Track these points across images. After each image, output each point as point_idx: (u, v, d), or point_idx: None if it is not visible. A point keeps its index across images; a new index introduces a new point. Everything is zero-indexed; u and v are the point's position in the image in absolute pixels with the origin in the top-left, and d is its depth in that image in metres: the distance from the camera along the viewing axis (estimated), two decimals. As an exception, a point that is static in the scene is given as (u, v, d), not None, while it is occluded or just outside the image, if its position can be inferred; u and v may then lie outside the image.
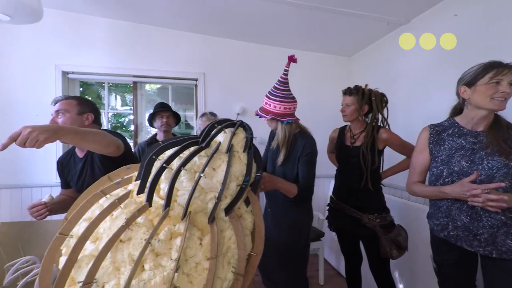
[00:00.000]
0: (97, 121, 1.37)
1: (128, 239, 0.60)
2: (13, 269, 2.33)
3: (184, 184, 0.67)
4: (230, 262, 0.68)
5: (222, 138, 0.77)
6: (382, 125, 1.59)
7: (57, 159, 1.43)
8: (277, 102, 1.37)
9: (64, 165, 1.38)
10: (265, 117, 1.39)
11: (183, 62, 2.70)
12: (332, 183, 2.87)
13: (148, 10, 2.32)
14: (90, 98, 1.51)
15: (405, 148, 1.51)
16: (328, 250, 2.70)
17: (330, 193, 2.84)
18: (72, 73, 2.45)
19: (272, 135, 1.60)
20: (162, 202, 0.65)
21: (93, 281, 0.55)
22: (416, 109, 2.16)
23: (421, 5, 2.01)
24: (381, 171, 1.63)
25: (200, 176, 0.66)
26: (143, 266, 0.58)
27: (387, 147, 1.57)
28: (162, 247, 0.60)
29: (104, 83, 2.74)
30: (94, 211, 0.67)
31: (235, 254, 0.69)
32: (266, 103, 1.41)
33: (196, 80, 2.78)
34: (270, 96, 1.39)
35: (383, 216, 1.49)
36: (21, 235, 2.28)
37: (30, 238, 2.28)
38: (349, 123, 1.68)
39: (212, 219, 0.67)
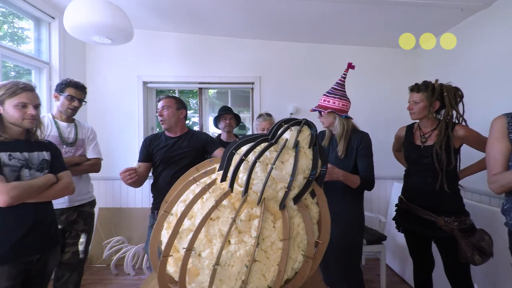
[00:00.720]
0: (186, 116, 1.73)
1: (216, 218, 0.73)
2: (109, 246, 2.81)
3: (258, 174, 0.77)
4: (299, 246, 0.75)
5: (288, 135, 0.85)
6: (457, 121, 1.47)
7: (144, 138, 1.74)
8: (337, 99, 1.49)
9: (152, 141, 1.69)
10: (323, 111, 1.49)
11: (241, 67, 2.89)
12: (395, 185, 2.71)
13: (211, 22, 2.57)
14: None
15: (485, 145, 1.37)
16: (390, 255, 2.55)
17: (393, 195, 2.70)
18: (151, 82, 2.86)
19: (322, 134, 1.65)
20: (241, 189, 0.77)
21: (192, 249, 0.69)
22: (495, 103, 1.90)
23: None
24: (458, 170, 1.51)
25: (272, 168, 0.76)
26: (229, 241, 0.70)
27: (463, 144, 1.45)
28: (244, 226, 0.71)
29: (174, 90, 3.11)
30: (187, 194, 0.83)
31: (304, 239, 0.76)
32: (324, 100, 1.52)
33: (253, 83, 2.94)
34: (329, 95, 1.51)
35: (462, 219, 1.37)
36: (113, 218, 2.78)
37: (120, 221, 2.76)
38: (417, 121, 1.59)
39: (283, 206, 0.76)
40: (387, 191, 2.81)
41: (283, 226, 0.73)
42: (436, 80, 1.49)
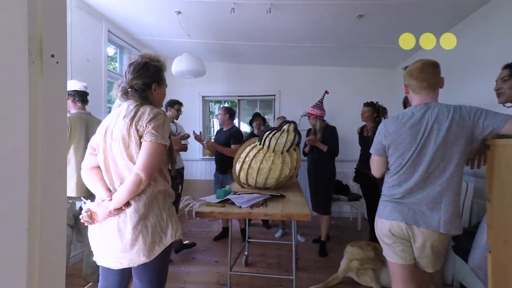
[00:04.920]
0: (231, 118, 3.02)
1: (258, 156, 2.02)
2: (182, 202, 4.41)
3: (273, 141, 2.05)
4: (288, 166, 2.02)
5: (286, 126, 2.13)
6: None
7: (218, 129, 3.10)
8: (318, 110, 2.70)
9: (217, 132, 3.07)
10: (311, 116, 2.73)
11: (266, 84, 4.18)
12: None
13: (245, 56, 3.89)
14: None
15: None
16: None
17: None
18: (206, 96, 4.26)
19: (308, 131, 2.89)
20: (266, 147, 2.06)
21: (250, 165, 1.99)
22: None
23: None
24: None
25: (278, 139, 2.03)
26: (262, 163, 1.99)
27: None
28: (267, 159, 2.00)
29: (221, 101, 4.49)
30: (246, 149, 2.13)
31: (290, 164, 2.03)
32: (312, 110, 2.75)
33: (275, 95, 4.21)
34: (314, 107, 2.75)
35: None
36: (184, 184, 4.21)
37: (188, 187, 4.19)
38: (365, 123, 2.79)
39: (281, 152, 2.03)
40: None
41: (282, 159, 2.00)
42: (377, 102, 2.66)
